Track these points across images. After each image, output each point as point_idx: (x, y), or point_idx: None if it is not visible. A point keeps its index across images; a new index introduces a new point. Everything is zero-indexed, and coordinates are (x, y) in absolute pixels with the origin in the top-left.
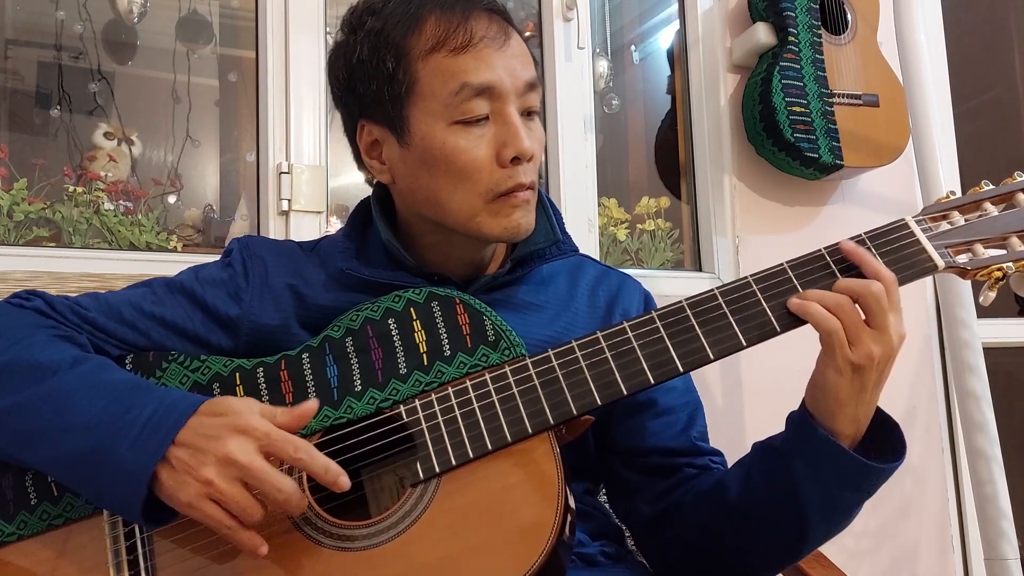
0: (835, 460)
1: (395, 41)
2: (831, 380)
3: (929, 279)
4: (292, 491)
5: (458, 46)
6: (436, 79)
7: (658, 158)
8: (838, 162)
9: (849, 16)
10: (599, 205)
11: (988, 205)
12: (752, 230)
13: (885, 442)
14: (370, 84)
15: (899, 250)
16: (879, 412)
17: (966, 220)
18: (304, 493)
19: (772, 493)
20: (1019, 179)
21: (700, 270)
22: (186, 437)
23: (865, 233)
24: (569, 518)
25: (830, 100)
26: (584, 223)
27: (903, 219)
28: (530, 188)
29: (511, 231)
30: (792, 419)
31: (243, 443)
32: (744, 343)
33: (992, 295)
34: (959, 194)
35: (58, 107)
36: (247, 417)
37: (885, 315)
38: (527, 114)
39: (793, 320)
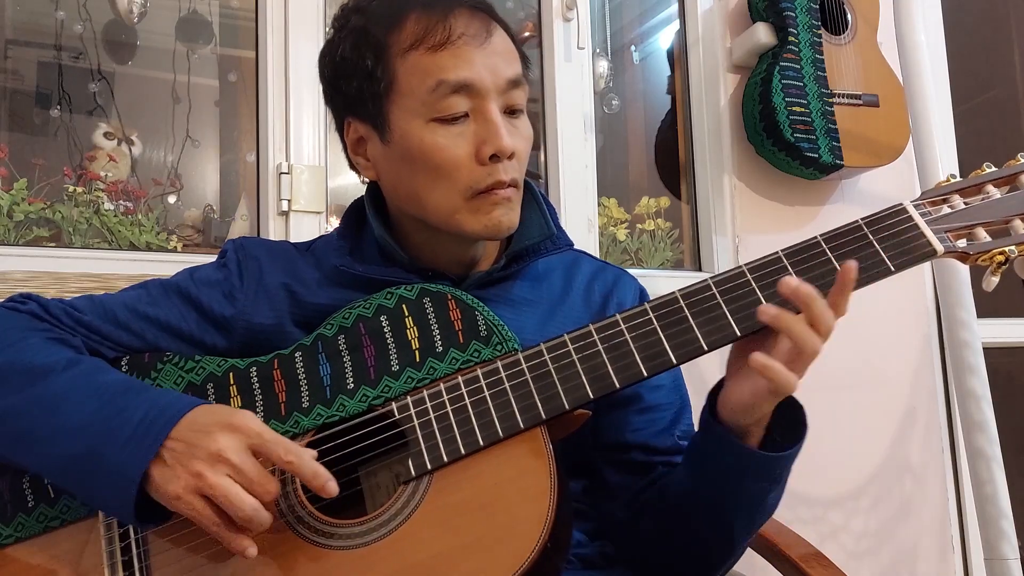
0: (740, 458)
1: (376, 38)
2: (764, 405)
3: (929, 279)
4: (277, 492)
5: (436, 43)
6: (414, 77)
7: (658, 158)
8: (838, 162)
9: (849, 16)
10: (599, 205)
11: (990, 188)
12: (752, 230)
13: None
14: (352, 81)
15: (897, 235)
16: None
17: (967, 203)
18: (298, 491)
19: (695, 487)
20: (1023, 161)
21: (700, 270)
22: (179, 433)
23: (862, 219)
24: (564, 514)
25: (830, 100)
26: (584, 223)
27: (900, 204)
28: (512, 186)
29: (491, 229)
30: (701, 416)
31: (234, 440)
32: (738, 333)
33: (995, 280)
34: (960, 178)
35: (58, 107)
36: (241, 416)
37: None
38: (511, 112)
39: (790, 309)
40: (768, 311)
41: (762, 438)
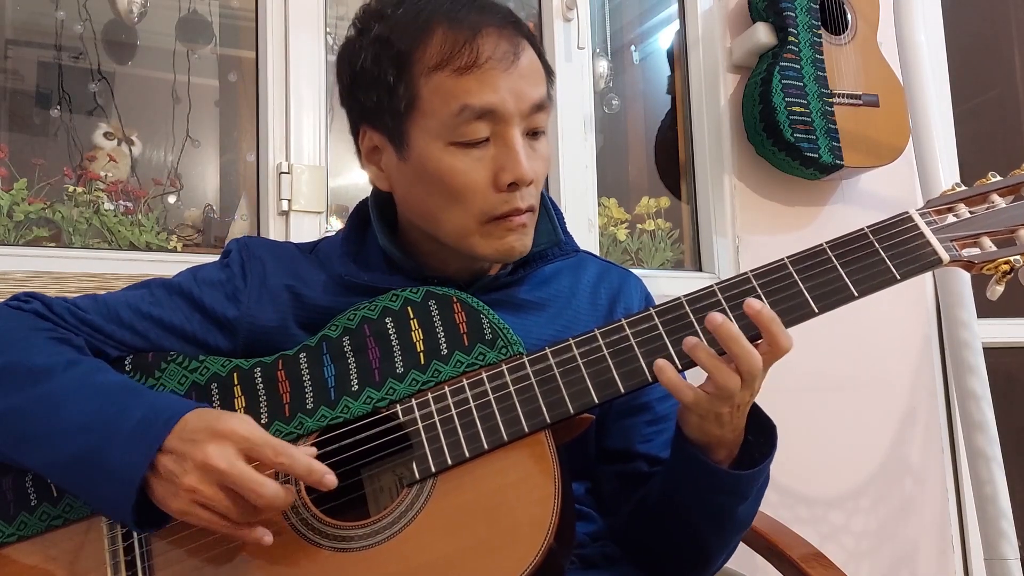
0: (705, 474)
1: (399, 52)
2: (694, 422)
3: (929, 279)
4: (274, 494)
5: (462, 66)
6: (437, 98)
7: (658, 158)
8: (838, 162)
9: (849, 16)
10: (599, 205)
11: (995, 197)
12: (752, 230)
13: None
14: (371, 94)
15: (902, 244)
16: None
17: (972, 212)
18: (293, 491)
19: (666, 496)
20: None
21: (700, 270)
22: (171, 444)
23: (868, 227)
24: (568, 518)
25: (830, 100)
26: (584, 223)
27: (906, 212)
28: (528, 211)
29: (503, 253)
30: (674, 431)
31: (222, 448)
32: None
33: (1000, 289)
34: (965, 186)
35: (58, 107)
36: (228, 421)
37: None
38: (532, 134)
39: (795, 317)
40: (688, 342)
41: (739, 452)
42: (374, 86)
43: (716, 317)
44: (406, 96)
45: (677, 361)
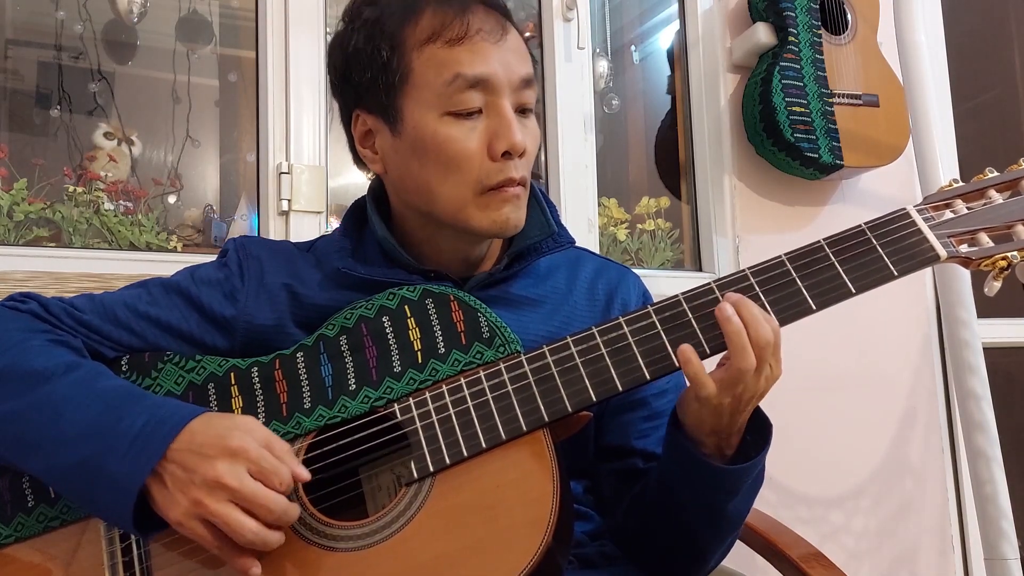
0: (694, 467)
1: (391, 31)
2: (693, 408)
3: (929, 279)
4: (283, 511)
5: (454, 37)
6: (430, 69)
7: (658, 158)
8: (838, 162)
9: (849, 16)
10: (599, 205)
11: (993, 193)
12: (752, 230)
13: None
14: (365, 73)
15: (900, 240)
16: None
17: (969, 208)
18: (296, 501)
19: (660, 490)
20: None
21: (700, 270)
22: (177, 453)
23: (865, 223)
24: (566, 516)
25: (830, 100)
26: (584, 223)
27: (904, 209)
28: (521, 184)
29: (499, 225)
30: (667, 425)
31: (233, 466)
32: None
33: (997, 285)
34: (963, 183)
35: (58, 107)
36: (241, 438)
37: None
38: (522, 111)
39: (793, 313)
40: (723, 310)
41: (736, 451)
42: (367, 64)
43: (733, 295)
44: (399, 70)
45: (675, 359)
